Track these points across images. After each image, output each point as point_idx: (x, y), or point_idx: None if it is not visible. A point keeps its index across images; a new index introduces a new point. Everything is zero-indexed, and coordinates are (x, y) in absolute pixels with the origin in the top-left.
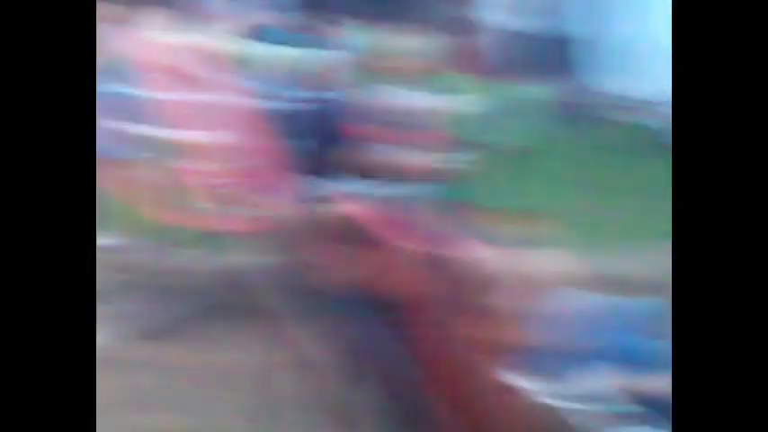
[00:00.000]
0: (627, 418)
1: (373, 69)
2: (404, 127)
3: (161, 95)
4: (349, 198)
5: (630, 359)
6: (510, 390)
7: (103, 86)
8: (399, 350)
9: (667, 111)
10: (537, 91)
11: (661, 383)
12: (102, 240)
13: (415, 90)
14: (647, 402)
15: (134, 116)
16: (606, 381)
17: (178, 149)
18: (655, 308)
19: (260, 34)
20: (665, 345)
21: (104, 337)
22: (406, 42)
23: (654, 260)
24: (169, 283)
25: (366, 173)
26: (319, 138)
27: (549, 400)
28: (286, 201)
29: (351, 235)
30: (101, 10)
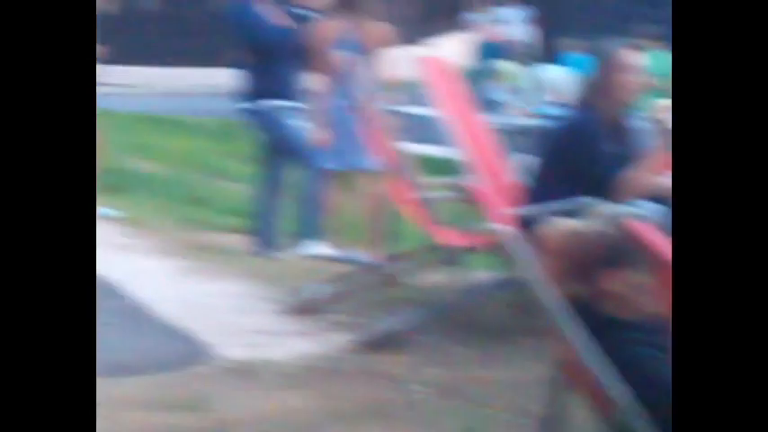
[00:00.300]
0: None
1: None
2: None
3: (439, 115)
4: (627, 219)
5: None
6: None
7: (390, 106)
8: (670, 373)
9: None
10: None
11: None
12: (354, 253)
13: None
14: None
15: (418, 136)
16: None
17: (459, 168)
18: None
19: (555, 58)
20: None
21: (342, 347)
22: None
23: None
24: (415, 296)
25: (642, 194)
26: (585, 156)
27: None
28: (560, 220)
29: (632, 256)
30: (382, 31)
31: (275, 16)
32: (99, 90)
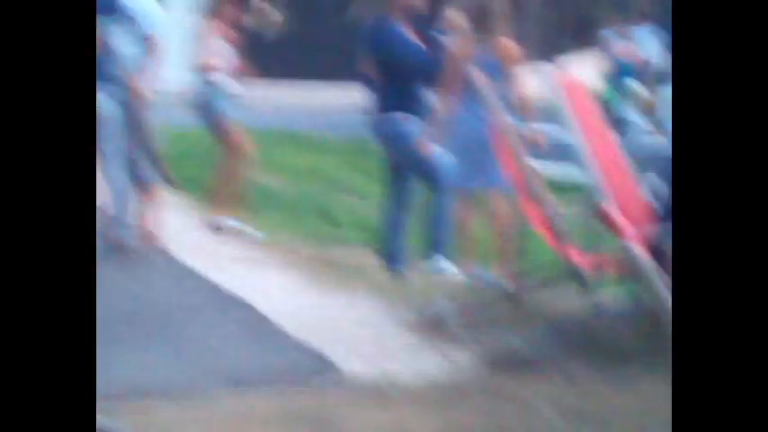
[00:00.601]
0: None
1: None
2: None
3: (571, 133)
4: None
5: None
6: None
7: (522, 124)
8: None
9: None
10: None
11: None
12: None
13: None
14: None
15: (549, 153)
16: None
17: (589, 187)
18: None
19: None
20: None
21: (468, 365)
22: None
23: None
24: (542, 316)
25: None
26: None
27: None
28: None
29: None
30: (515, 49)
31: (412, 34)
32: (248, 107)
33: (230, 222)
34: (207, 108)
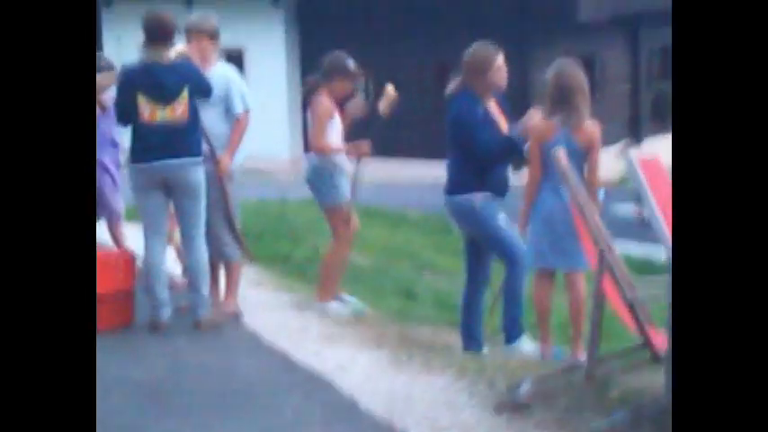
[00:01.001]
0: None
1: None
2: None
3: (654, 215)
4: None
5: None
6: None
7: (601, 205)
8: None
9: None
10: None
11: None
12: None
13: None
14: None
15: (630, 234)
16: None
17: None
18: None
19: None
20: None
21: None
22: None
23: None
24: (623, 397)
25: None
26: None
27: None
28: None
29: None
30: (595, 130)
31: (496, 112)
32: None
33: (345, 299)
34: (323, 187)
